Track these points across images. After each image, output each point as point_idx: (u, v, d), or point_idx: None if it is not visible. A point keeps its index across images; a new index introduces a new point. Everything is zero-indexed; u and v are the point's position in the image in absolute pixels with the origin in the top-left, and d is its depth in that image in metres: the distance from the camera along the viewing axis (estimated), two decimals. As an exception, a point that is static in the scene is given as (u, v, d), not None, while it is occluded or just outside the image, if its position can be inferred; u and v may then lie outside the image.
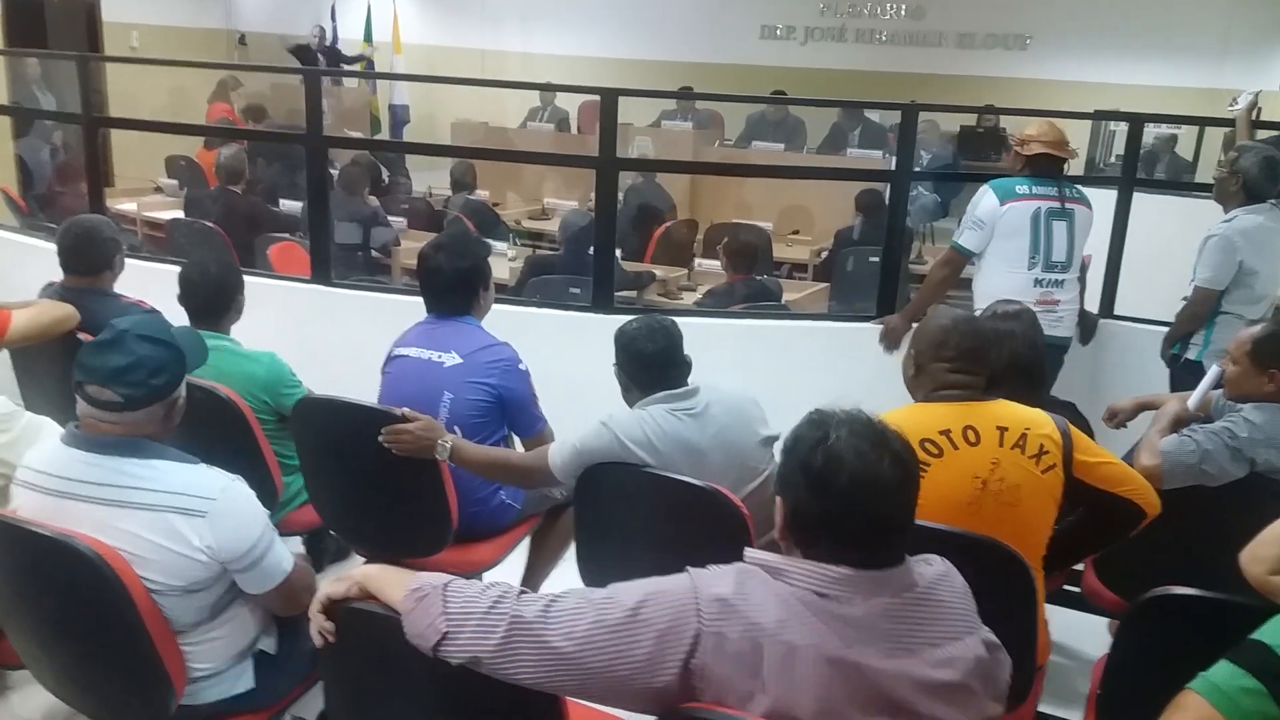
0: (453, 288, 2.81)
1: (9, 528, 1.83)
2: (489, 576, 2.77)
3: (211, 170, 6.53)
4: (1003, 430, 2.07)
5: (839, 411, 1.41)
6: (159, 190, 7.15)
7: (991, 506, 2.04)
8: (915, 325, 2.36)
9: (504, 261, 5.24)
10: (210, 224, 5.47)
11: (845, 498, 1.34)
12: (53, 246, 3.24)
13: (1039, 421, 2.11)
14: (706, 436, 2.36)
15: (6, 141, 7.11)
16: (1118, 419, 2.93)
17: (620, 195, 6.58)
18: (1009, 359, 2.44)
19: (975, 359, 2.17)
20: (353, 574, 1.55)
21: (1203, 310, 3.52)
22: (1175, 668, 1.46)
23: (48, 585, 1.85)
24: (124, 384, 1.81)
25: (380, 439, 2.44)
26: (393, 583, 1.49)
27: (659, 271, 5.45)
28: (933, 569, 1.42)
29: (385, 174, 7.05)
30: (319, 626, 1.55)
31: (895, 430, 1.41)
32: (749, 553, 1.41)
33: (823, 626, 1.31)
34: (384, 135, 10.18)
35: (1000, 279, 3.58)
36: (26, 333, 2.89)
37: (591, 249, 4.04)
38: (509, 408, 2.74)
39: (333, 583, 1.55)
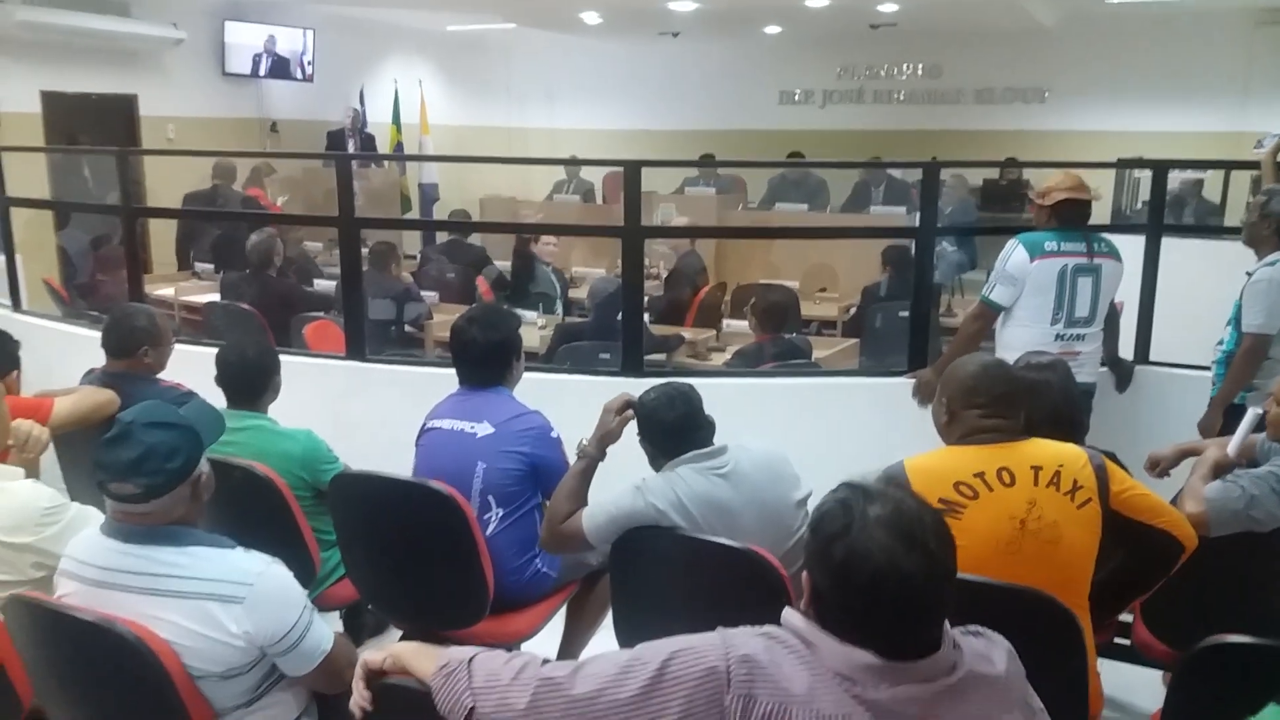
0: (486, 359, 2.85)
1: (51, 613, 1.86)
2: (527, 646, 2.75)
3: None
4: (1037, 469, 2.06)
5: (870, 488, 1.37)
6: (195, 275, 7.31)
7: (1032, 546, 2.02)
8: (944, 375, 2.35)
9: (534, 330, 5.28)
10: (246, 306, 5.57)
11: (867, 594, 1.29)
12: (93, 334, 3.32)
13: (1072, 457, 2.10)
14: (739, 495, 2.35)
15: (49, 233, 7.33)
16: (1160, 467, 2.88)
17: (656, 264, 6.71)
18: (1048, 411, 2.43)
19: (1008, 404, 2.16)
20: (389, 648, 1.57)
21: (1256, 357, 3.46)
22: (1232, 717, 1.42)
23: (89, 670, 1.86)
24: (141, 474, 1.82)
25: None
26: (424, 658, 1.51)
27: (687, 334, 5.47)
28: (976, 645, 1.38)
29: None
30: (358, 696, 1.56)
31: (928, 514, 1.34)
32: (786, 616, 1.39)
33: (852, 702, 1.28)
34: (414, 214, 10.36)
35: (1023, 332, 3.58)
36: (69, 419, 2.95)
37: (620, 315, 4.08)
38: (542, 475, 2.75)
39: (371, 652, 1.57)
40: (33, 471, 2.37)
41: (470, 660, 1.46)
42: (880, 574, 1.28)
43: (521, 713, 1.38)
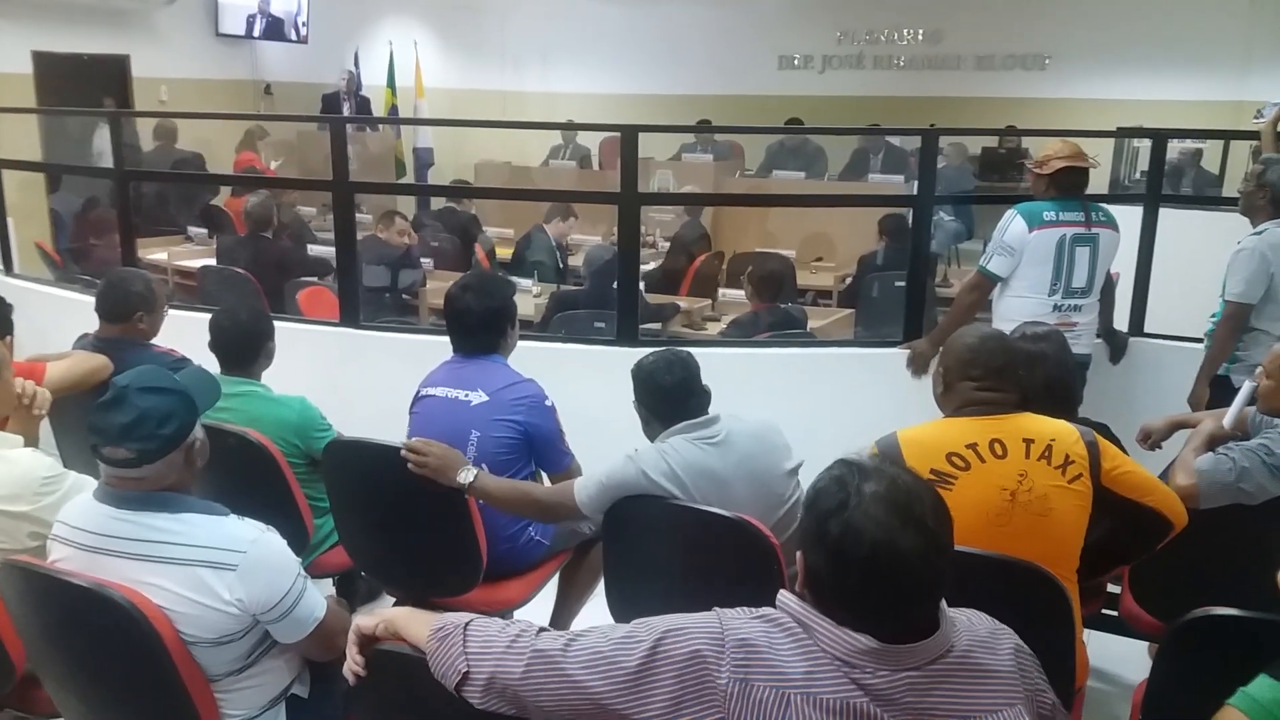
0: (481, 327, 2.84)
1: (45, 578, 1.86)
2: (519, 614, 2.77)
3: (239, 217, 6.65)
4: (1029, 442, 2.08)
5: (865, 465, 1.34)
6: (189, 239, 7.28)
7: (1021, 518, 2.04)
8: (944, 345, 2.35)
9: (529, 298, 5.27)
10: (240, 270, 5.55)
11: (863, 572, 1.27)
12: (86, 298, 3.30)
13: (1064, 432, 2.11)
14: (729, 465, 2.35)
15: (41, 196, 7.28)
16: (1152, 439, 2.89)
17: (653, 232, 6.69)
18: (1043, 382, 2.44)
19: (1003, 377, 2.17)
20: (382, 613, 1.57)
21: (1236, 325, 3.48)
22: (1218, 689, 1.44)
23: (83, 635, 1.87)
24: (134, 439, 1.82)
25: (402, 454, 2.44)
26: (418, 624, 1.51)
27: (683, 303, 5.46)
28: (976, 629, 1.36)
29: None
30: (351, 662, 1.56)
31: (926, 491, 1.33)
32: (782, 598, 1.37)
33: (851, 686, 1.27)
34: (409, 178, 10.30)
35: (1020, 303, 3.58)
36: (61, 384, 2.94)
37: (615, 283, 4.07)
38: (536, 444, 2.75)
39: (363, 618, 1.58)
40: (32, 439, 2.36)
41: (466, 625, 1.46)
42: (877, 549, 1.25)
43: (515, 682, 1.38)
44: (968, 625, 1.36)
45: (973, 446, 2.07)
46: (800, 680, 1.28)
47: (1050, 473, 2.06)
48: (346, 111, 10.05)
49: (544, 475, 2.86)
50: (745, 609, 1.38)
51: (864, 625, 1.28)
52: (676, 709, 1.31)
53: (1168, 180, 5.41)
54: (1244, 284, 3.45)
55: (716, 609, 1.38)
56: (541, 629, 1.45)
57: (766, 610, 1.37)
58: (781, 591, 1.38)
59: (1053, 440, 2.08)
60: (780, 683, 1.28)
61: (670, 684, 1.32)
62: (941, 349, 2.30)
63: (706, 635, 1.33)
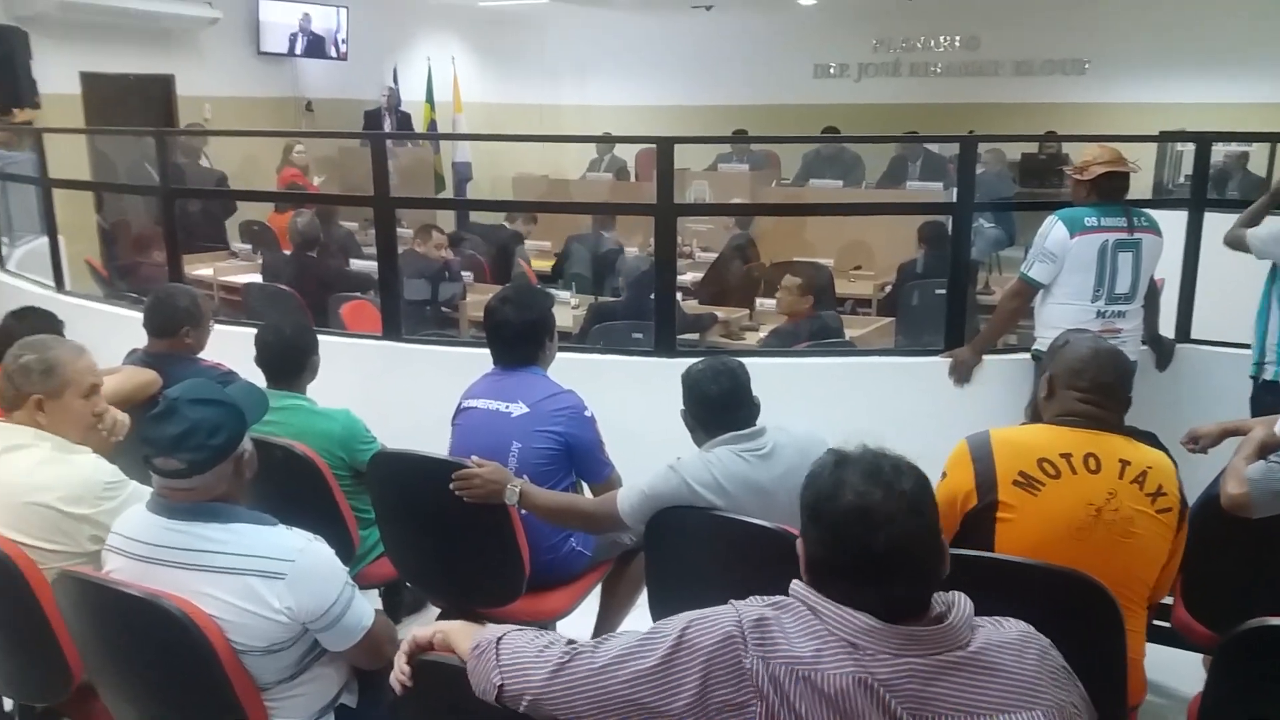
0: (519, 339, 2.86)
1: (100, 588, 1.90)
2: (562, 625, 2.78)
3: (283, 233, 6.75)
4: (1124, 464, 2.05)
5: (851, 450, 1.42)
6: (233, 255, 7.40)
7: (1103, 536, 2.01)
8: (1052, 350, 2.32)
9: (567, 310, 5.30)
10: (284, 286, 5.63)
11: (836, 529, 1.35)
12: (134, 314, 3.37)
13: (1164, 465, 2.09)
14: (774, 477, 2.35)
15: (90, 214, 7.43)
16: (1200, 444, 2.84)
17: (689, 242, 6.68)
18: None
19: (1109, 393, 2.14)
20: (439, 625, 1.61)
21: None
22: (1275, 701, 1.41)
23: (137, 644, 1.90)
24: (185, 450, 1.85)
25: (450, 486, 2.48)
26: (465, 637, 1.55)
27: (720, 313, 5.45)
28: (1002, 633, 1.36)
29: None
30: (398, 671, 1.59)
31: (907, 466, 1.39)
32: (793, 586, 1.41)
33: (856, 669, 1.30)
34: (448, 193, 10.40)
35: (1063, 310, 3.55)
36: (113, 399, 2.98)
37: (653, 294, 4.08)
38: (576, 455, 2.77)
39: (421, 628, 1.62)
40: (103, 452, 2.42)
41: (499, 640, 1.50)
42: (850, 507, 1.33)
43: (544, 683, 1.42)
44: (993, 628, 1.37)
45: (1066, 456, 2.05)
46: (809, 660, 1.31)
47: (1140, 498, 2.02)
48: (388, 127, 10.18)
49: (584, 486, 2.87)
50: (757, 597, 1.42)
51: (859, 599, 1.33)
52: (704, 697, 1.33)
53: (1214, 184, 5.34)
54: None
55: (731, 600, 1.42)
56: (570, 640, 1.48)
57: (778, 598, 1.41)
58: (795, 581, 1.42)
59: (1149, 468, 2.05)
60: (792, 662, 1.31)
61: (699, 671, 1.34)
62: (1053, 356, 2.28)
63: (730, 621, 1.37)
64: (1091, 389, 2.13)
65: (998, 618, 1.40)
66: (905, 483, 1.36)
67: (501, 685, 1.45)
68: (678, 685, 1.35)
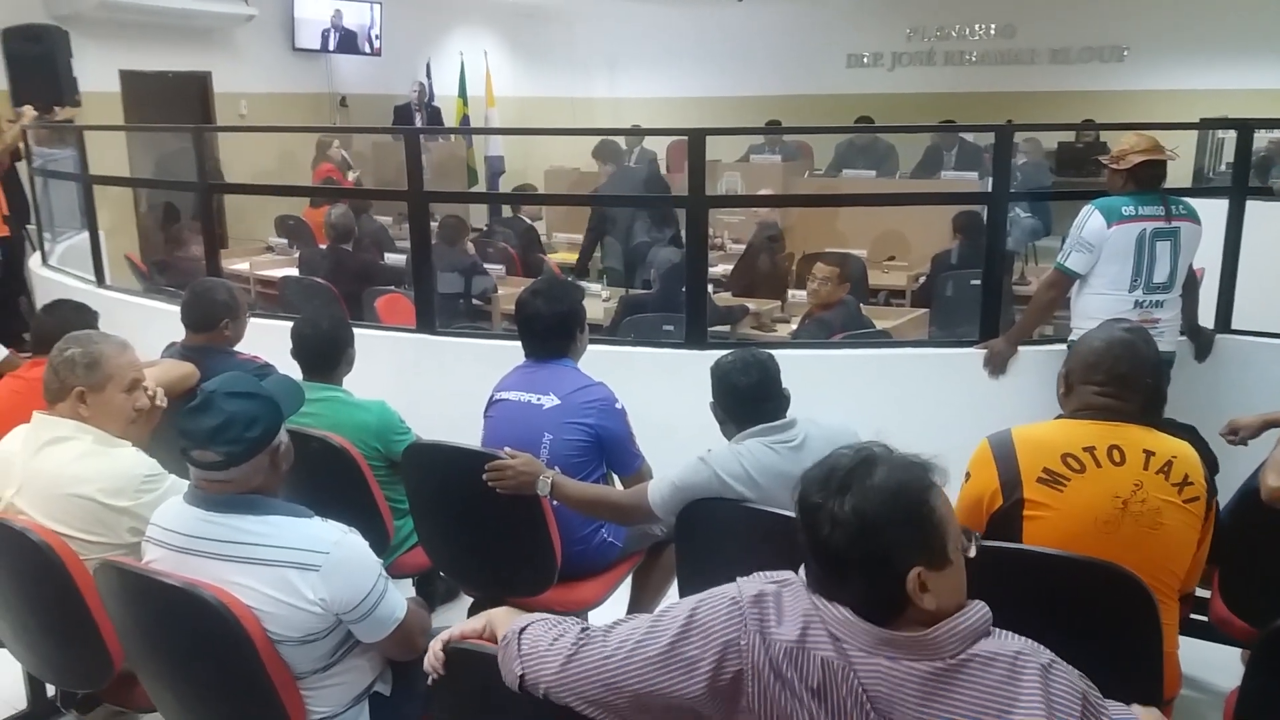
0: (550, 332, 2.88)
1: (140, 578, 1.93)
2: (594, 615, 2.79)
3: (318, 228, 6.81)
4: (1149, 454, 2.03)
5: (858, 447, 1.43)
6: (270, 249, 7.48)
7: (1131, 528, 1.99)
8: (1071, 346, 2.31)
9: (598, 302, 5.30)
10: (320, 280, 5.69)
11: (802, 519, 1.38)
12: (172, 308, 3.42)
13: (1188, 454, 2.06)
14: (805, 469, 2.33)
15: (130, 210, 7.55)
16: (1240, 436, 2.80)
17: (720, 234, 6.66)
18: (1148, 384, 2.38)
19: (1126, 384, 2.12)
20: (489, 613, 1.65)
21: None
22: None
23: (176, 633, 1.93)
24: (222, 442, 1.88)
25: (484, 478, 2.50)
26: (504, 625, 1.59)
27: (751, 305, 5.44)
28: (1001, 644, 1.30)
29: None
30: (431, 657, 1.63)
31: (895, 480, 1.34)
32: (803, 569, 1.43)
33: (835, 655, 1.32)
34: (481, 186, 10.45)
35: (1100, 300, 3.50)
36: (153, 391, 3.05)
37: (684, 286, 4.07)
38: (607, 446, 2.78)
39: (471, 621, 1.66)
40: (141, 444, 2.46)
41: (520, 631, 1.53)
42: (810, 510, 1.36)
43: (556, 674, 1.45)
44: (995, 640, 1.31)
45: (1090, 450, 2.03)
46: (795, 639, 1.34)
47: (1167, 488, 2.01)
48: (418, 122, 10.24)
49: (615, 477, 2.88)
50: (761, 573, 1.45)
51: (834, 593, 1.35)
52: (717, 678, 1.36)
53: (1256, 172, 5.24)
54: None
55: (736, 578, 1.46)
56: (584, 627, 1.51)
57: (786, 575, 1.43)
58: (803, 566, 1.44)
59: (1174, 457, 2.03)
60: (783, 640, 1.34)
61: (714, 653, 1.37)
62: (1070, 351, 2.25)
63: (731, 597, 1.41)
64: (1109, 381, 2.11)
65: (1013, 638, 1.33)
66: (869, 494, 1.33)
67: (521, 675, 1.49)
68: (691, 669, 1.37)
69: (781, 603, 1.38)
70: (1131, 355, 2.15)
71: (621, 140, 9.55)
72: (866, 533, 1.31)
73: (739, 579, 1.45)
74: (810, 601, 1.37)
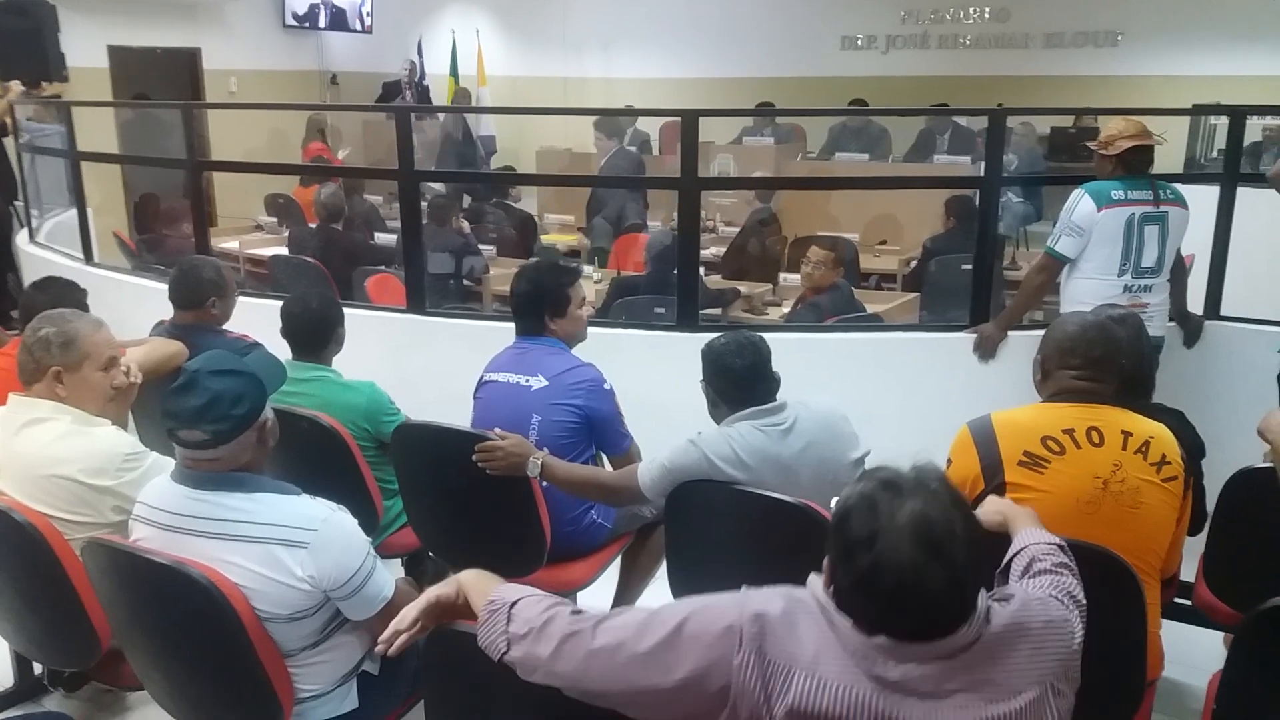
0: (520, 309, 2.89)
1: (128, 556, 1.93)
2: (583, 595, 2.80)
3: (308, 206, 6.78)
4: (1127, 435, 2.05)
5: (900, 484, 1.31)
6: (259, 228, 7.44)
7: (1111, 508, 2.01)
8: (1045, 329, 2.31)
9: (590, 284, 5.29)
10: (310, 259, 5.66)
11: (887, 604, 1.28)
12: (161, 286, 3.40)
13: (1165, 434, 2.09)
14: (795, 452, 2.34)
15: (118, 187, 7.49)
16: None
17: (713, 217, 6.65)
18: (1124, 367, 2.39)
19: (1102, 367, 2.14)
20: (459, 576, 1.63)
21: None
22: (1294, 682, 1.40)
23: (164, 611, 1.93)
24: (209, 421, 1.87)
25: (474, 458, 2.50)
26: (481, 590, 1.58)
27: (743, 288, 5.44)
28: (1005, 611, 1.34)
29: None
30: (402, 619, 1.60)
31: (959, 518, 1.29)
32: (811, 581, 1.40)
33: (857, 673, 1.29)
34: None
35: (1090, 284, 3.51)
36: (140, 368, 3.04)
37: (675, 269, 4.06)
38: (595, 427, 2.78)
39: (441, 585, 1.64)
40: (120, 422, 2.45)
41: (512, 605, 1.52)
42: (904, 588, 1.25)
43: (545, 661, 1.45)
44: (1000, 604, 1.35)
45: (1069, 432, 2.05)
46: (807, 660, 1.31)
47: (1145, 467, 2.03)
48: (406, 100, 10.17)
49: (605, 457, 2.89)
50: (773, 587, 1.41)
51: (880, 633, 1.30)
52: (693, 684, 1.35)
53: (1250, 159, 5.24)
54: None
55: (745, 587, 1.42)
56: (575, 611, 1.50)
57: (794, 590, 1.40)
58: (812, 575, 1.41)
59: (1151, 437, 2.06)
60: (787, 659, 1.32)
61: (693, 660, 1.35)
62: (1042, 337, 2.26)
63: (730, 614, 1.37)
64: (1085, 364, 2.13)
65: (1030, 594, 1.40)
66: (958, 550, 1.26)
67: (506, 650, 1.48)
68: (667, 669, 1.36)
69: (795, 623, 1.34)
70: (1106, 338, 2.18)
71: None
72: (959, 593, 1.29)
73: (746, 589, 1.41)
74: (828, 627, 1.33)
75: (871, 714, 1.28)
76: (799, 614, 1.35)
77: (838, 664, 1.30)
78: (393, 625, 1.61)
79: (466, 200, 7.34)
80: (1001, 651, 1.31)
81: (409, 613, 1.61)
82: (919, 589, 1.25)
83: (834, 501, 2.29)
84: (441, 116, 10.41)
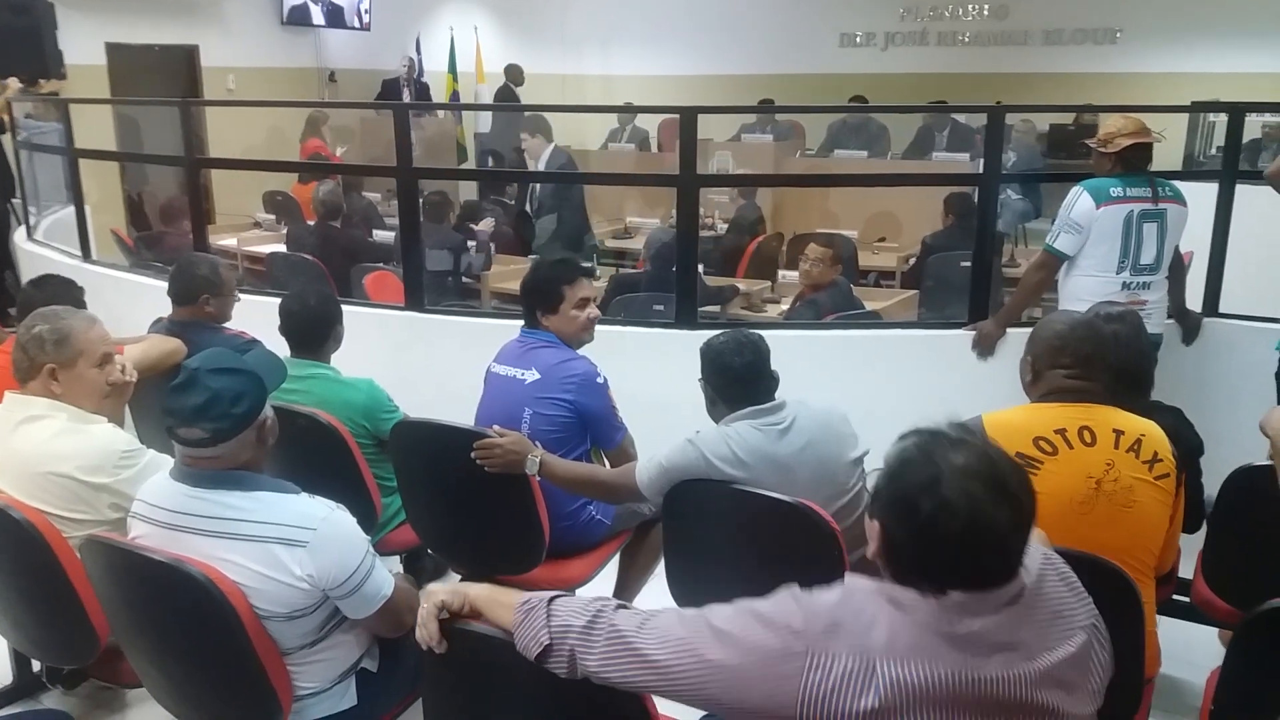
0: (521, 302, 2.93)
1: (126, 554, 1.93)
2: (581, 592, 2.80)
3: (307, 204, 6.77)
4: (1119, 433, 2.05)
5: (946, 435, 1.31)
6: (257, 225, 7.43)
7: (1105, 507, 2.01)
8: (1032, 329, 2.31)
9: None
10: (308, 256, 5.65)
11: (956, 549, 1.26)
12: (159, 283, 3.39)
13: (1156, 432, 2.09)
14: (793, 451, 2.34)
15: (116, 184, 7.48)
16: None
17: (711, 214, 6.65)
18: (1115, 365, 2.38)
19: (1092, 365, 2.14)
20: (466, 591, 1.59)
21: None
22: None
23: (163, 608, 1.93)
24: (209, 419, 1.87)
25: (472, 456, 2.50)
26: (503, 604, 1.54)
27: (742, 285, 5.44)
28: (1033, 563, 1.35)
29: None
30: (428, 634, 1.58)
31: (1008, 462, 1.31)
32: (851, 580, 1.37)
33: (936, 640, 1.27)
34: (471, 163, 10.40)
35: (1089, 281, 3.51)
36: (138, 366, 3.03)
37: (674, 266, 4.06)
38: (588, 422, 2.79)
39: (448, 591, 1.59)
40: (116, 419, 2.44)
41: (550, 601, 1.49)
42: (974, 527, 1.24)
43: (591, 659, 1.41)
44: (1039, 560, 1.38)
45: (1061, 432, 2.05)
46: (882, 646, 1.27)
47: (1137, 466, 2.03)
48: (405, 98, 10.16)
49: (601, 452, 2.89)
50: (822, 589, 1.36)
51: (946, 588, 1.28)
52: (764, 696, 1.30)
53: (1249, 156, 5.24)
54: None
55: (793, 592, 1.37)
56: (620, 605, 1.46)
57: (843, 584, 1.36)
58: (849, 575, 1.38)
59: (1143, 435, 2.06)
60: (863, 651, 1.27)
61: (754, 671, 1.31)
62: (1029, 337, 2.26)
63: (794, 622, 1.32)
64: (1076, 363, 2.13)
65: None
66: (1018, 489, 1.28)
67: (549, 644, 1.45)
68: (746, 687, 1.31)
69: (856, 609, 1.30)
70: (1094, 336, 2.18)
71: (614, 118, 9.53)
72: (1033, 524, 1.31)
73: (794, 593, 1.36)
74: (891, 607, 1.29)
75: (959, 682, 1.25)
76: (856, 600, 1.32)
77: (913, 639, 1.27)
78: (424, 641, 1.58)
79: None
80: (1046, 596, 1.33)
81: (432, 625, 1.58)
82: (992, 527, 1.25)
83: (841, 500, 2.27)
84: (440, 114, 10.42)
